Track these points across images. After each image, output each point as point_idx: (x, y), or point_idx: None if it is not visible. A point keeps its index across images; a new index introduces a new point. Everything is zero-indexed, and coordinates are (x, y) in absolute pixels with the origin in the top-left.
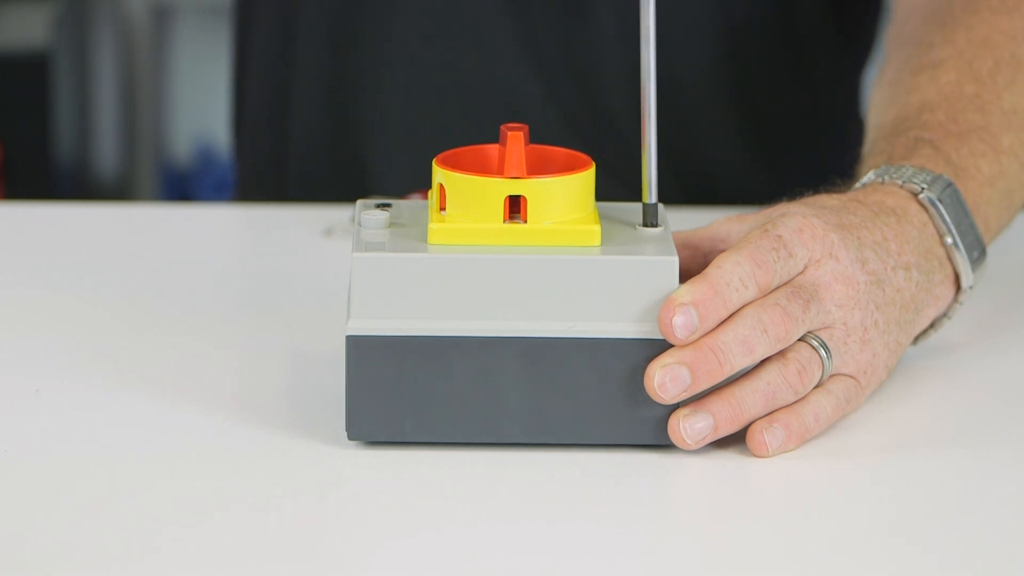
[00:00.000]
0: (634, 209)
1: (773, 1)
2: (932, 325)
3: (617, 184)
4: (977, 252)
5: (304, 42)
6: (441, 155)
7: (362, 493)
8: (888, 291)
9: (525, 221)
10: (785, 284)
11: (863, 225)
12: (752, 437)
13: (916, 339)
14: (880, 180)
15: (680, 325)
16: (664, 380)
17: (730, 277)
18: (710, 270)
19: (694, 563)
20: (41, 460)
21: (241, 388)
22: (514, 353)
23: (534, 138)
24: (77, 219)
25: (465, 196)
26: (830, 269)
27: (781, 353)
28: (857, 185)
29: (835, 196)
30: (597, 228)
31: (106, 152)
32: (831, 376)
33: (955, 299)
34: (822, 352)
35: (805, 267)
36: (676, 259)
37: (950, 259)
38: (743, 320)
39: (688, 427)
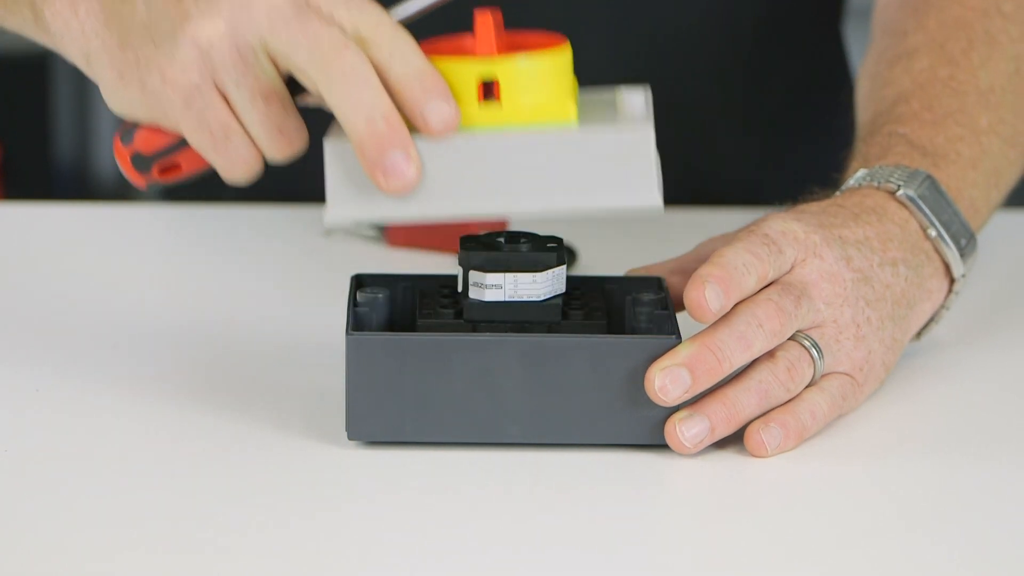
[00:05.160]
0: (612, 92)
1: None
2: (933, 318)
3: None
4: (965, 239)
5: None
6: (421, 43)
7: (362, 493)
8: (877, 287)
9: (499, 101)
10: (775, 282)
11: (844, 225)
12: (750, 438)
13: (919, 333)
14: (857, 185)
15: (712, 298)
16: (665, 382)
17: (737, 261)
18: (716, 257)
19: (694, 563)
20: (41, 460)
21: (241, 388)
22: (514, 353)
23: None
24: (77, 219)
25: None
26: (815, 267)
27: (770, 353)
28: (837, 193)
29: (815, 203)
30: (573, 105)
31: (106, 152)
32: (825, 375)
33: (950, 290)
34: (812, 351)
35: (792, 266)
36: (651, 132)
37: (937, 251)
38: (738, 317)
39: (685, 431)
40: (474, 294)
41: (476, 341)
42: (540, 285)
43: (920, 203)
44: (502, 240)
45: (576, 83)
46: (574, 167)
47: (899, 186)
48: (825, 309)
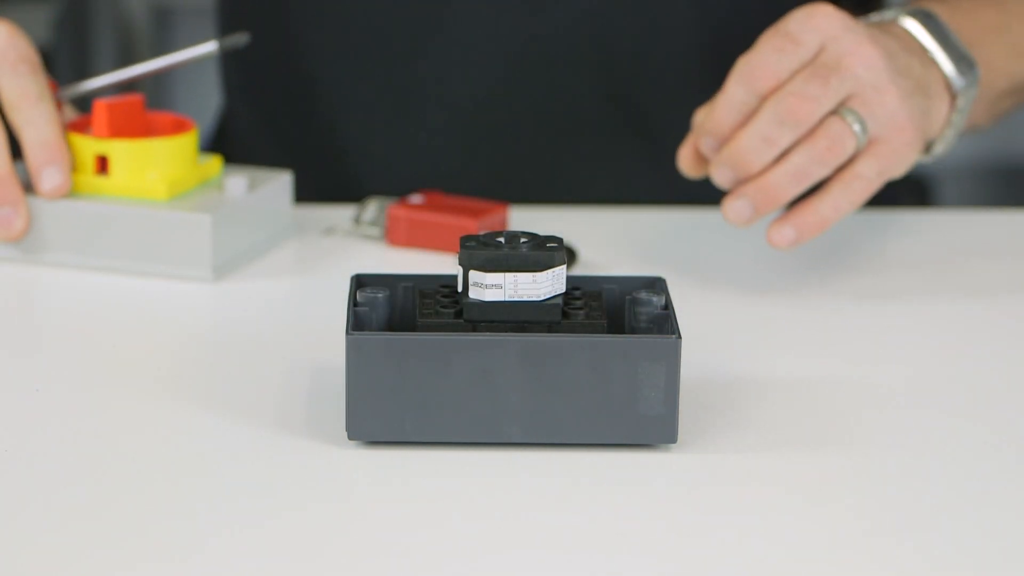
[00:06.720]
0: (253, 172)
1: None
2: (938, 136)
3: (591, 168)
4: (964, 65)
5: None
6: (80, 117)
7: (362, 493)
8: (901, 66)
9: (109, 174)
10: (803, 68)
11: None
12: (770, 236)
13: (927, 147)
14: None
15: (706, 147)
16: (727, 201)
17: (729, 103)
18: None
19: (694, 563)
20: (41, 460)
21: (241, 388)
22: (514, 353)
23: (507, 130)
24: None
25: (73, 150)
26: (851, 38)
27: (811, 132)
28: None
29: None
30: (164, 185)
31: None
32: (865, 148)
33: (952, 106)
34: (854, 125)
35: (822, 46)
36: (208, 218)
37: (935, 64)
38: (760, 119)
39: (730, 212)
40: (474, 294)
41: (476, 341)
42: (540, 285)
43: (915, 23)
44: (502, 240)
45: (216, 164)
46: (149, 236)
47: (895, 17)
48: (865, 74)
